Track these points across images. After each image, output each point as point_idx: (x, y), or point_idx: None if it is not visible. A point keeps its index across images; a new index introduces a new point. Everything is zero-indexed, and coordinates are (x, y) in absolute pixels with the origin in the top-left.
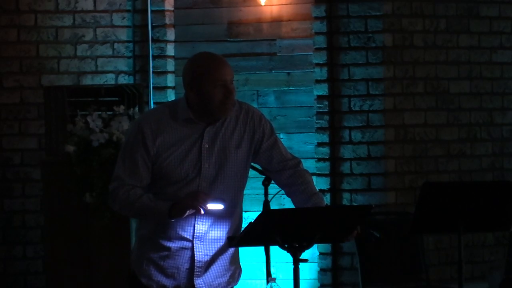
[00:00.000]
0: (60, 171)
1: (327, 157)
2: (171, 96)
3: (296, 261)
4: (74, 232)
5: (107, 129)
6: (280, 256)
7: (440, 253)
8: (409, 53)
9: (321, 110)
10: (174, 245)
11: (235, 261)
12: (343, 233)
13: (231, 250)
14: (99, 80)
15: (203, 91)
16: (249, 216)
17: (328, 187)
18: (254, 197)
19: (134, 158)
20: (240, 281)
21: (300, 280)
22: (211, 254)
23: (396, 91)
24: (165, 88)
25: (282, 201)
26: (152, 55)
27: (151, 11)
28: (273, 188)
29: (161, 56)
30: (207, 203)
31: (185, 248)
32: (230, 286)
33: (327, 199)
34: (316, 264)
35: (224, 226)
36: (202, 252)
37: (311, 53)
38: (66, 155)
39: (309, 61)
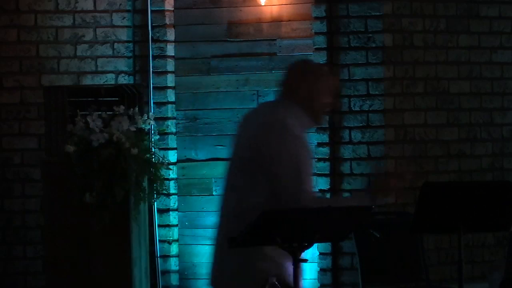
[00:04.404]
0: (60, 171)
1: (327, 157)
2: (171, 96)
3: (296, 261)
4: (74, 232)
5: (107, 129)
6: None
7: (440, 253)
8: (409, 53)
9: None
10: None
11: None
12: (343, 233)
13: None
14: (99, 80)
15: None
16: None
17: (328, 187)
18: None
19: (310, 162)
20: None
21: None
22: None
23: (396, 91)
24: (165, 88)
25: None
26: (152, 55)
27: (151, 11)
28: None
29: (161, 56)
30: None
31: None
32: None
33: None
34: (316, 264)
35: None
36: None
37: (311, 53)
38: (66, 155)
39: None
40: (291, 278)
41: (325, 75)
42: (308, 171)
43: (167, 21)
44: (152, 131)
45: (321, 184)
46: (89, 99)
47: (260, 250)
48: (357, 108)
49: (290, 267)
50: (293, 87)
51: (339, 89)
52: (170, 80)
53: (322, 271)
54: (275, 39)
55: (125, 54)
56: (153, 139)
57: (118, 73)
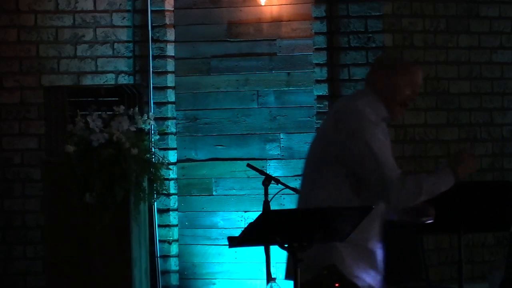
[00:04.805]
0: (60, 171)
1: None
2: (171, 96)
3: (296, 261)
4: (74, 232)
5: (107, 129)
6: (280, 256)
7: (440, 253)
8: (409, 53)
9: (321, 110)
10: (375, 247)
11: None
12: (343, 233)
13: None
14: (99, 80)
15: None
16: (249, 216)
17: None
18: (254, 197)
19: (386, 143)
20: (240, 281)
21: None
22: None
23: None
24: (165, 88)
25: (282, 201)
26: (152, 55)
27: (151, 11)
28: (273, 188)
29: (161, 56)
30: None
31: (379, 249)
32: None
33: None
34: None
35: None
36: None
37: (311, 53)
38: (66, 155)
39: (309, 61)
40: (349, 269)
41: (404, 70)
42: (386, 153)
43: (167, 21)
44: (152, 131)
45: None
46: (89, 99)
47: None
48: None
49: (351, 258)
50: (373, 79)
51: (419, 85)
52: (170, 80)
53: None
54: (275, 39)
55: (125, 54)
56: (153, 139)
57: (118, 73)
